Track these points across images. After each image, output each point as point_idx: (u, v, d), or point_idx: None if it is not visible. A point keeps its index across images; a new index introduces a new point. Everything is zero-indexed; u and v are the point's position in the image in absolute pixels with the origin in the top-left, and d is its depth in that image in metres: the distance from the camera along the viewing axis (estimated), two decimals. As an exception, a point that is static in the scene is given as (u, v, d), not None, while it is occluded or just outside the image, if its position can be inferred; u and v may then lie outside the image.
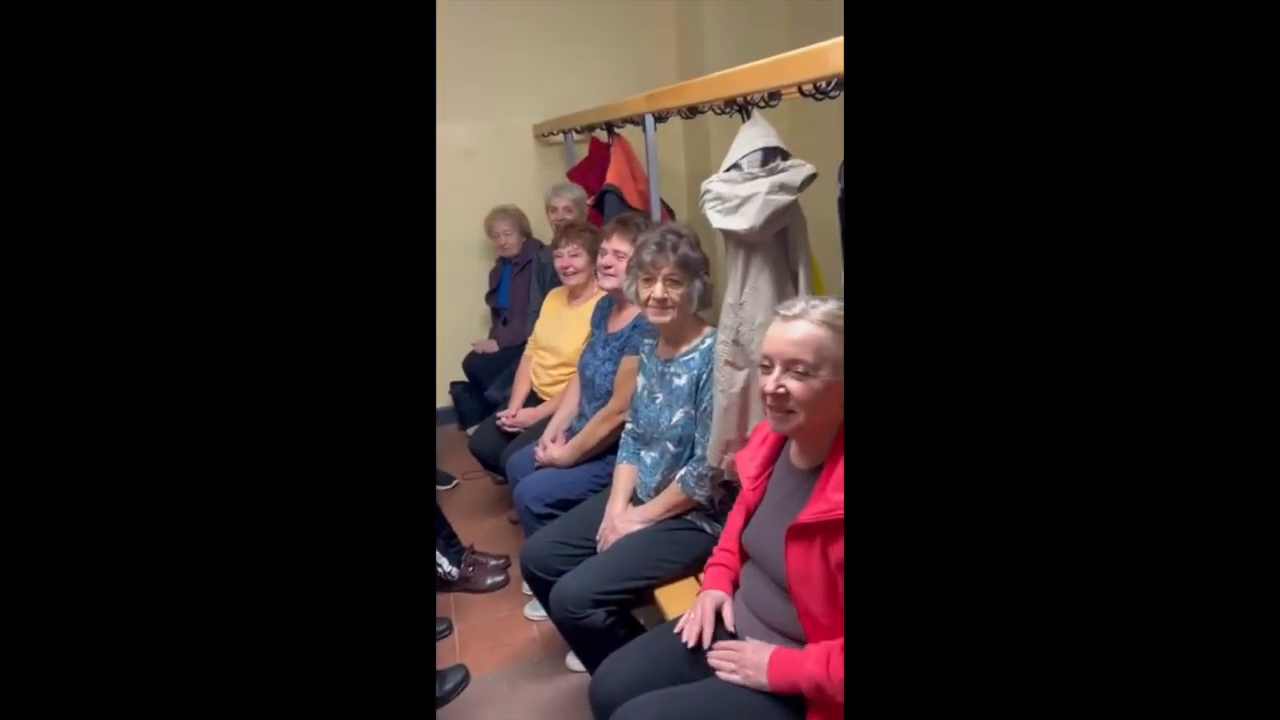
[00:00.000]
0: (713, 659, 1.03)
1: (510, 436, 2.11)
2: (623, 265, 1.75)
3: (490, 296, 2.97)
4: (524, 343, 2.36)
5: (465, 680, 1.65)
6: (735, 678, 0.99)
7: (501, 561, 2.08)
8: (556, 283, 2.25)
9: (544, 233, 2.86)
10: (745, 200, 1.18)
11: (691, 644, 1.08)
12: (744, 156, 1.22)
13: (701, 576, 1.39)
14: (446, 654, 1.76)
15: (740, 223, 1.19)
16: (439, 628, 1.83)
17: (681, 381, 1.46)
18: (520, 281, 2.80)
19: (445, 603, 1.95)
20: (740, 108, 1.37)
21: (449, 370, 2.99)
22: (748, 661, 0.99)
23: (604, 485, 1.71)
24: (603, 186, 2.34)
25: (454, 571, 1.98)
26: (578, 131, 2.81)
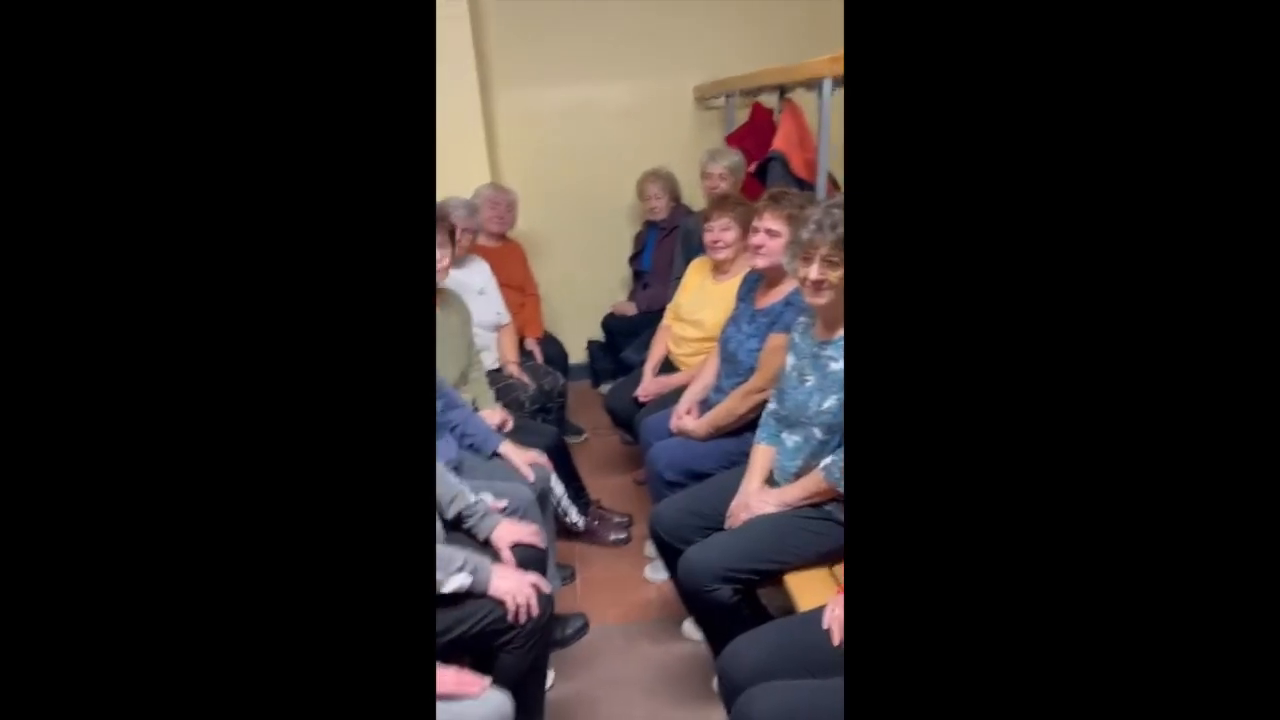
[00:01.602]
0: None
1: (645, 399, 2.14)
2: (775, 244, 1.68)
3: (634, 259, 3.00)
4: (662, 308, 2.36)
5: (585, 628, 1.73)
6: None
7: (625, 519, 2.14)
8: (701, 250, 2.21)
9: (693, 198, 2.82)
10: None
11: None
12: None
13: (837, 570, 1.35)
14: (568, 600, 1.84)
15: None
16: (563, 574, 1.92)
17: (837, 366, 1.40)
18: (665, 246, 2.80)
19: (570, 551, 2.04)
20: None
21: (587, 328, 3.07)
22: None
23: (736, 462, 1.68)
24: (767, 153, 2.25)
25: (580, 522, 2.06)
26: (740, 95, 2.72)
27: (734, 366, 1.84)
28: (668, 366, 2.22)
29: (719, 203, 2.10)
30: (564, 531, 2.05)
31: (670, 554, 1.52)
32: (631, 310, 2.85)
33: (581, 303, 3.11)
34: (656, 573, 1.89)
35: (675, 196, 2.83)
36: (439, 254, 1.85)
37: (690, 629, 1.68)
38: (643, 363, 2.28)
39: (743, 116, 2.79)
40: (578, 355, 3.09)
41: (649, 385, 2.15)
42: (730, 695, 1.05)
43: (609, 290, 3.12)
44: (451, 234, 1.93)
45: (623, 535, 2.10)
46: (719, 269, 2.14)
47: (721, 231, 2.04)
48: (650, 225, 2.89)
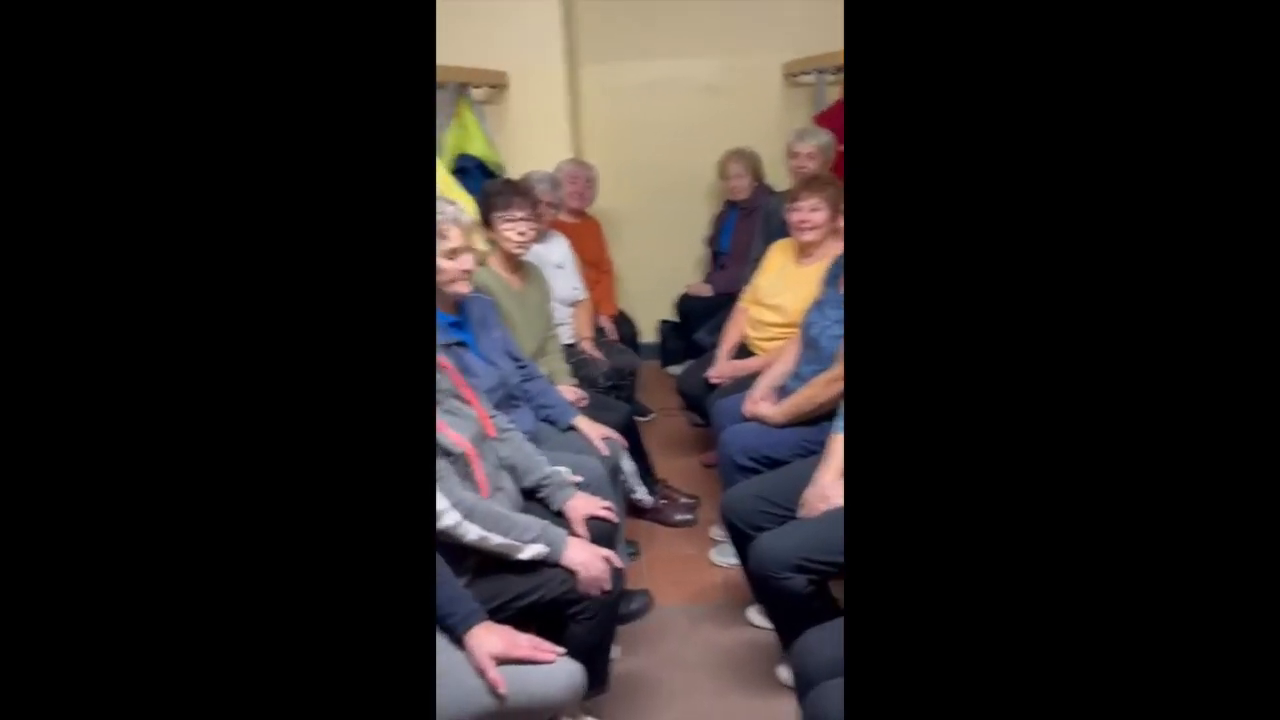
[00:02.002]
0: None
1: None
2: (868, 224, 1.61)
3: (711, 240, 2.95)
4: (738, 290, 2.32)
5: (649, 605, 1.73)
6: None
7: (692, 501, 2.13)
8: (783, 232, 2.15)
9: (776, 179, 2.75)
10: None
11: None
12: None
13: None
14: (633, 576, 1.85)
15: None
16: (629, 550, 1.93)
17: (930, 359, 1.33)
18: (744, 227, 2.74)
19: (636, 528, 2.05)
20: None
21: (659, 308, 3.06)
22: None
23: (811, 450, 1.64)
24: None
25: (648, 500, 2.06)
26: (833, 72, 2.61)
27: (816, 353, 1.78)
28: (743, 350, 2.18)
29: (808, 182, 2.03)
30: (630, 509, 2.06)
31: (741, 540, 1.50)
32: (707, 291, 2.81)
33: (655, 282, 3.09)
34: (723, 556, 1.88)
35: (758, 176, 2.76)
36: (524, 227, 1.86)
37: (755, 616, 1.66)
38: (715, 345, 2.25)
39: (834, 94, 2.68)
40: (648, 335, 3.08)
41: (723, 368, 2.12)
42: (804, 689, 1.03)
43: (683, 270, 3.09)
44: (535, 207, 1.94)
45: (689, 516, 2.09)
46: (803, 252, 2.07)
47: (810, 212, 1.97)
48: (730, 205, 2.83)
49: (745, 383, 1.98)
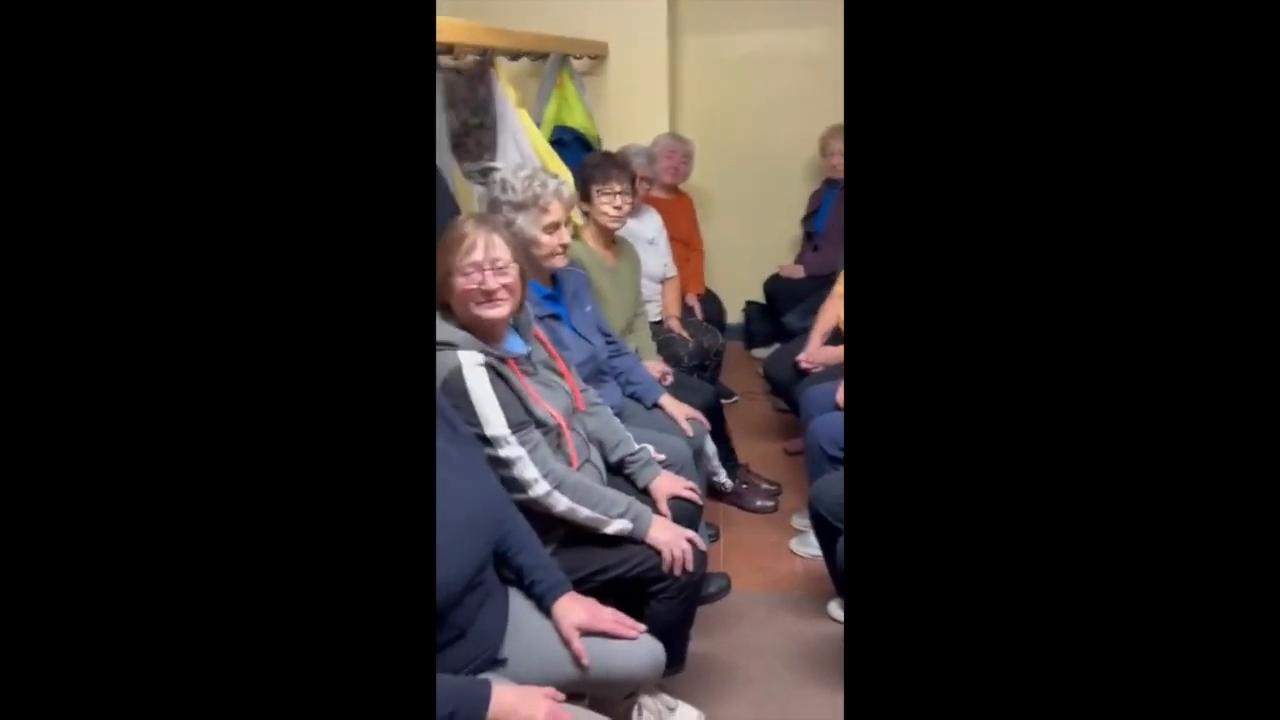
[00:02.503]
0: None
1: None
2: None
3: (807, 220, 2.85)
4: (832, 273, 2.23)
5: (727, 589, 1.72)
6: None
7: (774, 488, 2.09)
8: (885, 215, 2.04)
9: (881, 158, 2.61)
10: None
11: None
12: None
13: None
14: (711, 559, 1.82)
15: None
16: (708, 533, 1.91)
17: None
18: (843, 208, 2.62)
19: (715, 511, 2.03)
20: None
21: (747, 289, 2.99)
22: None
23: (907, 445, 1.56)
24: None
25: (729, 484, 2.03)
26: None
27: (917, 344, 1.69)
28: (837, 337, 2.10)
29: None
30: (710, 491, 2.04)
31: (827, 532, 1.46)
32: (799, 273, 2.73)
33: (743, 262, 3.02)
34: (804, 546, 1.83)
35: (861, 155, 2.63)
36: (620, 201, 1.85)
37: (838, 611, 1.62)
38: (805, 330, 2.17)
39: (951, 68, 2.50)
40: (734, 316, 3.02)
41: (815, 354, 2.05)
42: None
43: (773, 251, 2.99)
44: (633, 182, 1.92)
45: (770, 503, 2.05)
46: (908, 236, 1.96)
47: (918, 195, 1.86)
48: (830, 184, 2.72)
49: (837, 371, 1.90)
